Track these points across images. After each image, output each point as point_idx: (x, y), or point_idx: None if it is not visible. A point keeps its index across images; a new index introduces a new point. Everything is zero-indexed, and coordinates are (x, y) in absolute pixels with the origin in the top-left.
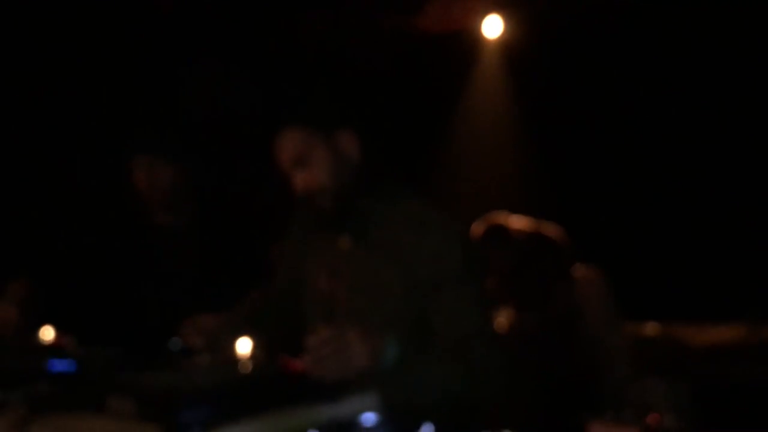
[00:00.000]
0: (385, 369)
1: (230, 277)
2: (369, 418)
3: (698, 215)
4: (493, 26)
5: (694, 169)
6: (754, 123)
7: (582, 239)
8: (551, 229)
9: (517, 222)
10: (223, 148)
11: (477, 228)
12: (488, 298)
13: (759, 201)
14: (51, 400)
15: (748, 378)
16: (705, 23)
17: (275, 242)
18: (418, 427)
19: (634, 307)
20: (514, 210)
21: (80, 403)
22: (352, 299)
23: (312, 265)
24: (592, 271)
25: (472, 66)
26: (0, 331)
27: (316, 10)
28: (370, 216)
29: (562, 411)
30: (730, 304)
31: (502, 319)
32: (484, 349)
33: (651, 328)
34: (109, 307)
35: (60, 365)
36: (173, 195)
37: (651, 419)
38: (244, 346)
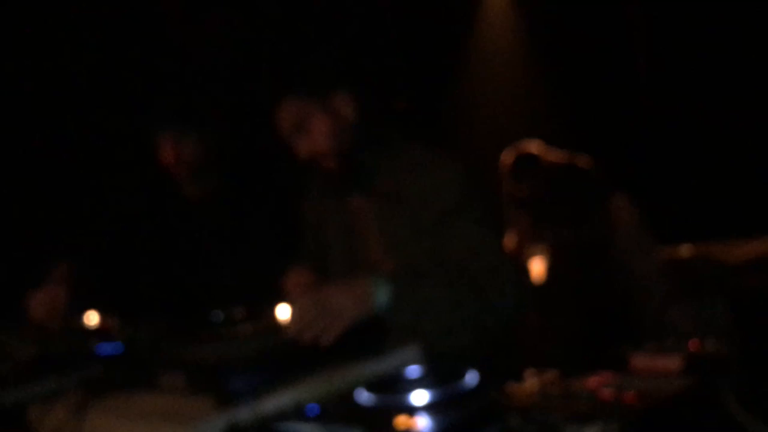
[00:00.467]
0: (381, 308)
1: (261, 244)
2: (414, 370)
3: (721, 133)
4: None
5: (714, 88)
6: None
7: (610, 168)
8: (583, 160)
9: (550, 154)
10: (239, 117)
11: (507, 157)
12: (494, 221)
13: None
14: (104, 383)
15: None
16: None
17: (298, 208)
18: (463, 375)
19: (667, 232)
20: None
21: (132, 383)
22: (370, 253)
23: (331, 228)
24: (623, 198)
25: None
26: (49, 316)
27: None
28: (374, 171)
29: (603, 343)
30: (761, 219)
31: (538, 252)
32: (492, 268)
33: (685, 250)
34: (148, 284)
35: (108, 348)
36: (200, 167)
37: (692, 345)
38: (283, 312)
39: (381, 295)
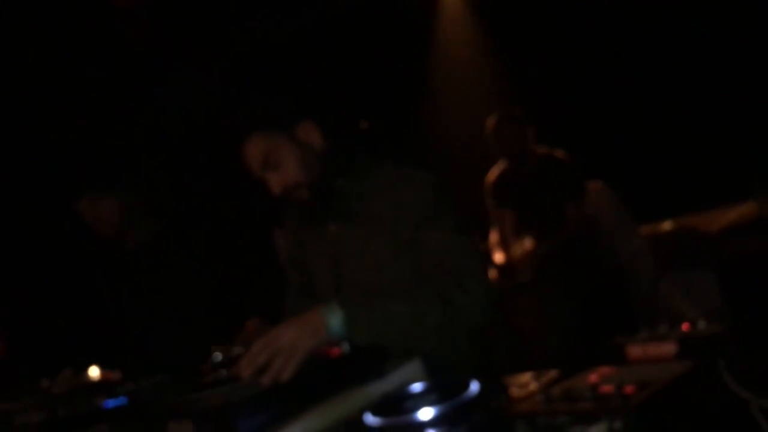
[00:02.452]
0: (337, 334)
1: (211, 284)
2: (417, 387)
3: (687, 110)
4: None
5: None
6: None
7: (585, 157)
8: (560, 153)
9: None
10: (177, 166)
11: (491, 120)
12: (466, 225)
13: (743, 84)
14: None
15: (766, 250)
16: None
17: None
18: (466, 386)
19: (646, 211)
20: None
21: None
22: (353, 277)
23: (314, 259)
24: (601, 185)
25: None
26: None
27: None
28: (347, 195)
29: (598, 331)
30: (735, 188)
31: (526, 245)
32: (459, 262)
33: (667, 225)
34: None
35: (113, 402)
36: (126, 223)
37: (684, 328)
38: None
39: (334, 321)
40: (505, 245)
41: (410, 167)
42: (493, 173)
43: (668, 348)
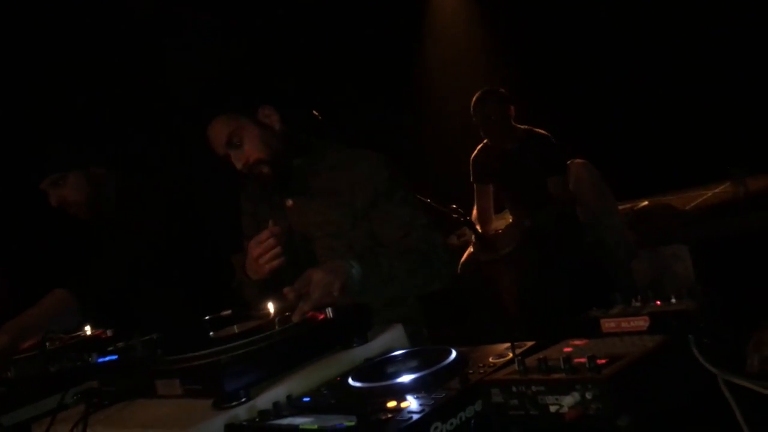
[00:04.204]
0: (357, 284)
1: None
2: (398, 354)
3: (667, 92)
4: None
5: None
6: None
7: (569, 136)
8: (541, 130)
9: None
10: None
11: (475, 93)
12: (415, 199)
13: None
14: (102, 394)
15: (739, 229)
16: None
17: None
18: (445, 355)
19: (626, 189)
20: None
21: (130, 392)
22: (309, 245)
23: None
24: (583, 161)
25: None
26: None
27: None
28: (304, 172)
29: (578, 304)
30: (712, 169)
31: (507, 218)
32: (424, 236)
33: (644, 203)
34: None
35: (104, 359)
36: (90, 203)
37: (657, 304)
38: (268, 308)
39: (354, 272)
40: (485, 219)
41: (365, 149)
42: (477, 149)
43: (640, 322)
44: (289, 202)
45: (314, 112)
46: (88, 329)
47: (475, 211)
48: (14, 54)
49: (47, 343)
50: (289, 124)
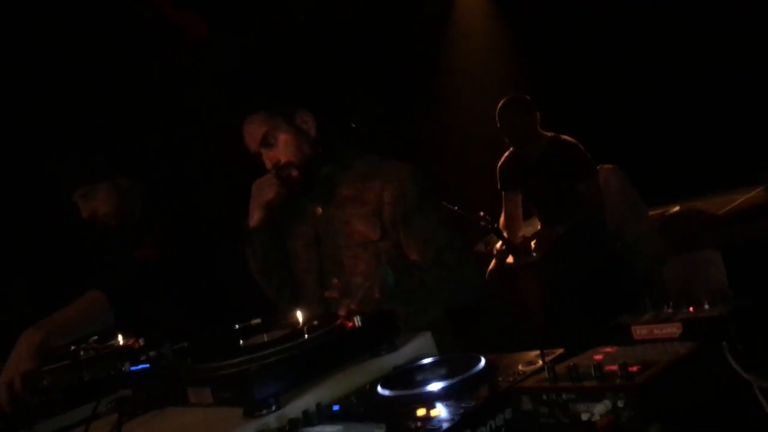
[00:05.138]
0: (390, 291)
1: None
2: (427, 362)
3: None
4: None
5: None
6: None
7: (597, 141)
8: (567, 137)
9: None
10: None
11: (499, 103)
12: (452, 218)
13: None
14: (135, 403)
15: None
16: None
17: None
18: (474, 363)
19: (656, 194)
20: None
21: (162, 401)
22: (333, 255)
23: (293, 241)
24: (612, 167)
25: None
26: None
27: None
28: (334, 180)
29: (605, 312)
30: (743, 173)
31: (535, 225)
32: (458, 259)
33: (675, 208)
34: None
35: (136, 367)
36: (120, 216)
37: (689, 310)
38: (297, 316)
39: (389, 278)
40: (513, 226)
41: (396, 160)
42: (503, 156)
43: (673, 329)
44: (319, 210)
45: (351, 123)
46: (120, 339)
47: (502, 219)
48: (35, 67)
49: (81, 353)
50: (324, 131)
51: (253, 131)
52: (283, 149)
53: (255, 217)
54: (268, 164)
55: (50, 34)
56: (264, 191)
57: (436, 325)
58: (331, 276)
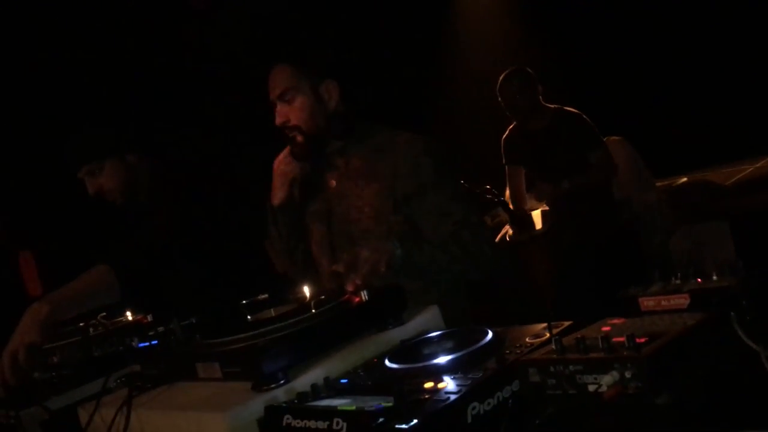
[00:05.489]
0: (399, 266)
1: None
2: (434, 335)
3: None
4: None
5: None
6: None
7: (605, 113)
8: (571, 108)
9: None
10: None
11: (503, 74)
12: (466, 193)
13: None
14: (144, 378)
15: None
16: None
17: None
18: (484, 336)
19: (664, 166)
20: None
21: (171, 376)
22: (348, 228)
23: (308, 212)
24: (619, 138)
25: None
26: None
27: None
28: (349, 154)
29: (613, 282)
30: (751, 144)
31: (543, 192)
32: (473, 235)
33: (683, 179)
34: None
35: (145, 343)
36: (129, 189)
37: (697, 281)
38: (305, 291)
39: (397, 252)
40: (518, 200)
41: (411, 133)
42: (507, 130)
43: (681, 300)
44: (333, 183)
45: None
46: (129, 315)
47: (507, 193)
48: (40, 47)
49: (90, 329)
50: (345, 107)
51: (276, 81)
52: (296, 111)
53: (279, 195)
54: (278, 119)
55: (57, 10)
56: (287, 169)
57: (447, 299)
58: (342, 250)
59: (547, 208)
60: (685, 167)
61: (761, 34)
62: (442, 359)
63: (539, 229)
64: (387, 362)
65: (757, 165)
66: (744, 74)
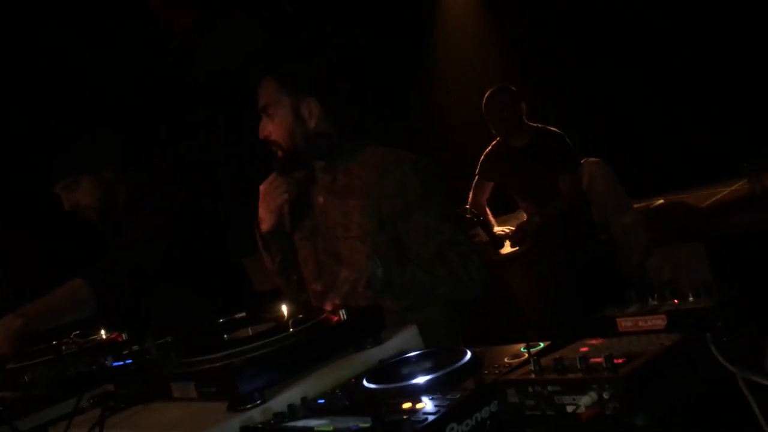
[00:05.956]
0: (380, 285)
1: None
2: (413, 355)
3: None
4: None
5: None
6: None
7: (584, 134)
8: (554, 129)
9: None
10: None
11: (487, 92)
12: (454, 214)
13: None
14: (118, 397)
15: (756, 226)
16: None
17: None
18: (463, 357)
19: (641, 187)
20: None
21: (145, 396)
22: (334, 246)
23: (295, 230)
24: (597, 160)
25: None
26: None
27: None
28: (336, 170)
29: (591, 303)
30: (727, 166)
31: (520, 217)
32: (460, 255)
33: (659, 201)
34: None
35: (119, 362)
36: (102, 206)
37: (674, 302)
38: (282, 309)
39: (378, 271)
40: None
41: (400, 150)
42: (490, 146)
43: (658, 321)
44: (320, 200)
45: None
46: (103, 333)
47: (469, 202)
48: (19, 60)
49: (63, 347)
50: (330, 124)
51: (261, 93)
52: (276, 126)
53: (268, 221)
54: (261, 132)
55: (37, 30)
56: (274, 195)
57: (431, 319)
58: (327, 268)
59: (525, 225)
60: (662, 189)
61: (736, 60)
62: (421, 379)
63: (518, 249)
64: (365, 382)
65: (732, 188)
66: (720, 98)
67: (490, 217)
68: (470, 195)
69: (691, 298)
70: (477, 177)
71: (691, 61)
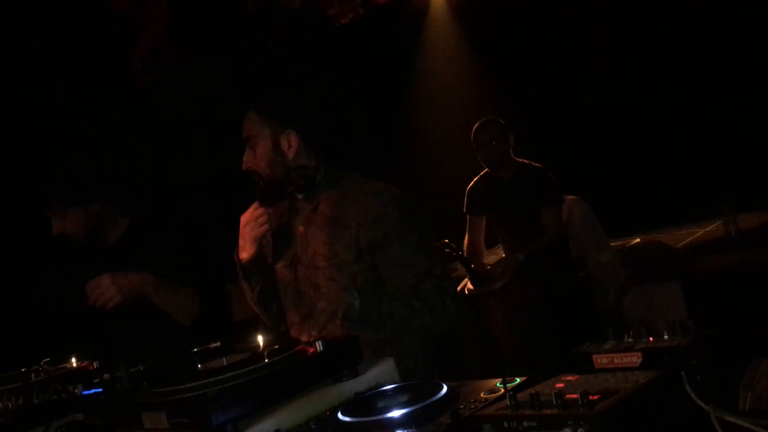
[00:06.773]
0: (356, 316)
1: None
2: (389, 389)
3: (658, 132)
4: None
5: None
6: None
7: (563, 173)
8: (537, 164)
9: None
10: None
11: (476, 124)
12: (432, 246)
13: (713, 107)
14: (88, 426)
15: (730, 266)
16: None
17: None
18: (439, 391)
19: (618, 226)
20: None
21: (117, 425)
22: (313, 276)
23: (275, 258)
24: (576, 198)
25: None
26: None
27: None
28: (316, 200)
29: (567, 340)
30: (703, 207)
31: (500, 252)
32: (436, 288)
33: (636, 240)
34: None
35: (89, 391)
36: (91, 235)
37: (651, 340)
38: (258, 339)
39: (355, 304)
40: (476, 251)
41: (380, 182)
42: (473, 180)
43: (633, 358)
44: (301, 229)
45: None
46: (74, 361)
47: (466, 243)
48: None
49: (32, 375)
50: (309, 156)
51: (244, 126)
52: (257, 158)
53: (248, 251)
54: (243, 164)
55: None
56: (254, 226)
57: (408, 351)
58: (306, 298)
59: (506, 260)
60: (639, 229)
61: (713, 102)
62: (396, 413)
63: (496, 285)
64: (340, 415)
65: (707, 229)
66: (696, 141)
67: (482, 256)
68: (466, 235)
69: (666, 336)
70: (467, 215)
71: (668, 102)
